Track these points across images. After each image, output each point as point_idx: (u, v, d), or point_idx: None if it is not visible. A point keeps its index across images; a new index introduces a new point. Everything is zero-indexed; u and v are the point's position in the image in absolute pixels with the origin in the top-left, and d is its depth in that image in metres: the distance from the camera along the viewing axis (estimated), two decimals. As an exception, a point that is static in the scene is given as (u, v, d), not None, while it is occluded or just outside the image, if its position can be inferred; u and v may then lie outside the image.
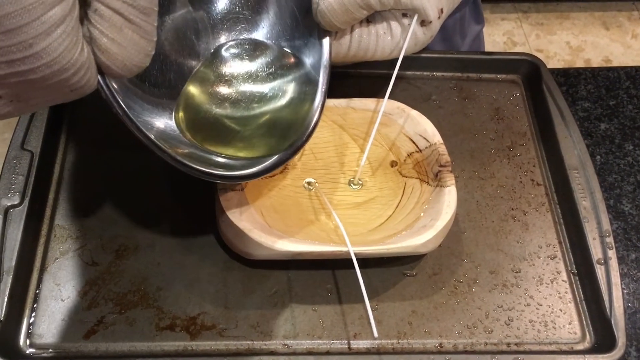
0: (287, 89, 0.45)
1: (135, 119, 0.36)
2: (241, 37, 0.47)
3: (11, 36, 0.26)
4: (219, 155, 0.42)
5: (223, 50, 0.46)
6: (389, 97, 0.52)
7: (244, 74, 0.46)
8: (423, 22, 0.46)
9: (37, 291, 0.45)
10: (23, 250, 0.45)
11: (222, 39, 0.46)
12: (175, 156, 0.37)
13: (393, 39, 0.46)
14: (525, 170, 0.56)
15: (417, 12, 0.45)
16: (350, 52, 0.46)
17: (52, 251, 0.47)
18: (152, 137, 0.37)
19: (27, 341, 0.43)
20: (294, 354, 0.44)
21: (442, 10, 0.46)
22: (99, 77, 0.31)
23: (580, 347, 0.47)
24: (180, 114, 0.44)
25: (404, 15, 0.45)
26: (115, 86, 0.35)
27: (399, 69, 0.59)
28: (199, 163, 0.38)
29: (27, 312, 0.44)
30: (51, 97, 0.30)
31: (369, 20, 0.46)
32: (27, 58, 0.27)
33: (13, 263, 0.44)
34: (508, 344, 0.47)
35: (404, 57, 0.57)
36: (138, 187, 0.51)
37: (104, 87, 0.33)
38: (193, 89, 0.45)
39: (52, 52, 0.27)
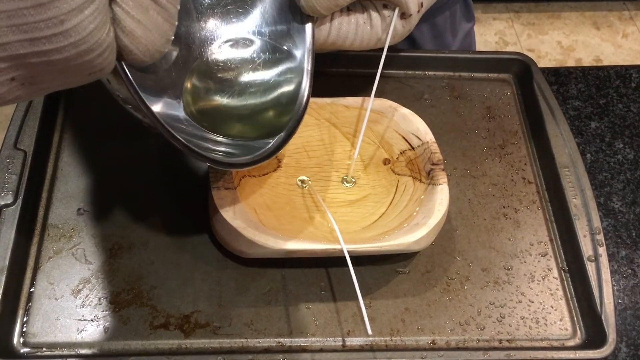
0: (277, 73, 0.47)
1: (150, 106, 0.35)
2: (230, 28, 0.47)
3: (41, 11, 0.24)
4: (227, 137, 0.44)
5: (217, 44, 0.47)
6: (381, 96, 0.53)
7: (238, 64, 0.47)
8: (403, 15, 0.46)
9: (31, 290, 0.45)
10: (16, 250, 0.45)
11: (213, 28, 0.47)
12: (188, 145, 0.37)
13: (372, 29, 0.46)
14: (517, 169, 0.56)
15: (398, 5, 0.45)
16: (329, 39, 0.46)
17: (45, 250, 0.47)
18: (165, 124, 0.36)
19: (21, 340, 0.43)
20: (288, 351, 0.45)
21: (421, 4, 0.47)
22: (116, 61, 0.30)
23: (571, 343, 0.48)
24: (188, 100, 0.45)
25: (385, 6, 0.46)
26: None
27: (391, 68, 0.59)
28: (205, 151, 0.39)
29: (20, 311, 0.44)
30: (66, 81, 0.28)
31: (350, 9, 0.46)
32: (55, 36, 0.25)
33: (6, 262, 0.44)
34: (500, 341, 0.47)
35: (397, 57, 0.57)
36: (131, 186, 0.51)
37: (121, 70, 0.32)
38: (195, 81, 0.46)
39: (81, 31, 0.25)
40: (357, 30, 0.46)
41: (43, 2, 0.24)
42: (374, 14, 0.46)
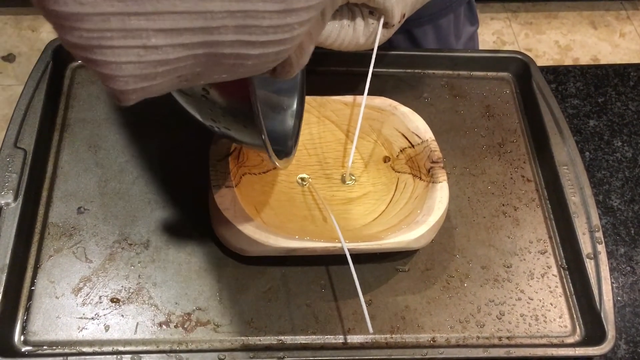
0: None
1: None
2: None
3: (283, 17, 0.24)
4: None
5: None
6: (382, 95, 0.53)
7: None
8: (386, 24, 0.47)
9: (32, 288, 0.45)
10: (17, 248, 0.45)
11: None
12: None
13: (354, 33, 0.47)
14: (516, 167, 0.56)
15: (384, 14, 0.46)
16: None
17: (46, 249, 0.47)
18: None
19: (22, 338, 0.43)
20: (289, 349, 0.45)
21: (404, 16, 0.47)
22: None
23: (570, 340, 0.48)
24: None
25: (371, 13, 0.46)
26: None
27: (391, 67, 0.59)
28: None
29: (21, 309, 0.44)
30: (222, 78, 0.28)
31: (338, 10, 0.46)
32: (275, 42, 0.25)
33: (7, 261, 0.44)
34: (500, 338, 0.47)
35: (397, 56, 0.58)
36: (132, 185, 0.51)
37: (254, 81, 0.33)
38: None
39: (296, 38, 0.26)
40: (340, 31, 0.47)
41: (293, 8, 0.24)
42: (359, 20, 0.46)
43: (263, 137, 0.36)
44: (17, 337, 0.43)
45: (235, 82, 0.30)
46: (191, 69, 0.26)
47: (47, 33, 1.54)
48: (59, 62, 0.55)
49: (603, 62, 1.70)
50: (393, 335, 0.46)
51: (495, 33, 1.75)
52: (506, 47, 1.70)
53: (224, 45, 0.25)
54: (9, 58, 1.50)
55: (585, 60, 1.70)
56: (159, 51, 0.24)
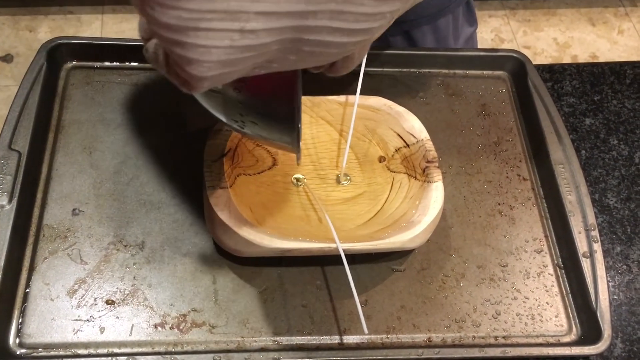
0: None
1: None
2: None
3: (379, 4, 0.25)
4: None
5: None
6: (377, 94, 0.53)
7: None
8: None
9: (27, 291, 0.45)
10: (12, 250, 0.45)
11: None
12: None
13: None
14: (512, 166, 0.56)
15: None
16: None
17: (41, 251, 0.47)
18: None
19: (17, 341, 0.43)
20: (285, 349, 0.45)
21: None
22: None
23: (566, 339, 0.48)
24: None
25: None
26: None
27: (386, 66, 0.59)
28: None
29: (16, 312, 0.44)
30: (296, 66, 0.29)
31: None
32: (364, 30, 0.26)
33: (2, 263, 0.44)
34: (496, 337, 0.47)
35: (393, 55, 0.57)
36: (127, 186, 0.51)
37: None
38: None
39: (380, 30, 0.26)
40: None
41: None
42: None
43: (300, 126, 0.36)
44: (12, 339, 0.43)
45: (283, 74, 0.29)
46: (269, 55, 0.26)
47: (44, 33, 1.54)
48: (53, 63, 0.55)
49: (601, 59, 1.70)
50: (389, 336, 0.46)
51: (493, 30, 1.75)
52: (504, 45, 1.69)
53: (313, 31, 0.25)
54: (7, 58, 1.49)
55: (583, 57, 1.70)
56: (252, 36, 0.24)
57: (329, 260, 0.48)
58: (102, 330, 0.44)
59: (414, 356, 0.45)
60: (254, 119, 0.37)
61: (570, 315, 0.49)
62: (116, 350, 0.44)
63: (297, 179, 0.51)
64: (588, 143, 0.60)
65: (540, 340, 0.48)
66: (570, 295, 0.50)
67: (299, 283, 0.48)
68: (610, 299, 0.49)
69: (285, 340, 0.45)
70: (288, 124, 0.36)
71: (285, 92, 0.34)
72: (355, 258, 0.49)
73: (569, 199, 0.53)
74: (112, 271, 0.47)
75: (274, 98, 0.36)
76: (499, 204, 0.54)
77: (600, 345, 0.46)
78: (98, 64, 0.57)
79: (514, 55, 0.61)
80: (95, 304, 0.45)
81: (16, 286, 0.45)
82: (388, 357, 0.45)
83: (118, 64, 0.57)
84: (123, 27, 1.55)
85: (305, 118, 0.52)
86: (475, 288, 0.49)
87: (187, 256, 0.48)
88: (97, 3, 1.59)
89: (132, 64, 0.57)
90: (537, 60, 1.66)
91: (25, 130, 0.50)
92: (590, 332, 0.48)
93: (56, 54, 0.55)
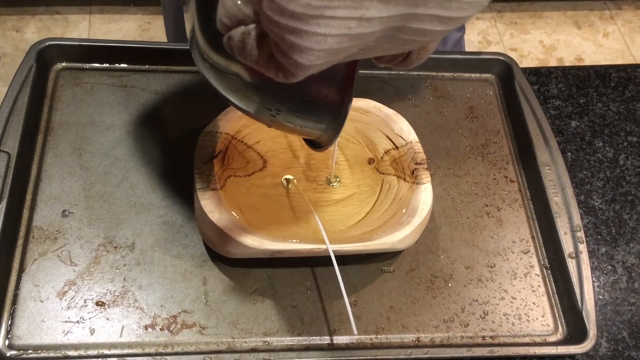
0: None
1: None
2: None
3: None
4: None
5: None
6: (366, 97, 0.53)
7: None
8: None
9: (16, 292, 0.45)
10: (1, 252, 0.45)
11: None
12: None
13: None
14: (499, 168, 0.57)
15: None
16: None
17: (30, 252, 0.47)
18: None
19: (7, 343, 0.43)
20: (274, 350, 0.45)
21: None
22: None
23: (553, 338, 0.49)
24: None
25: None
26: None
27: (375, 69, 0.59)
28: None
29: (5, 314, 0.44)
30: (382, 53, 0.28)
31: None
32: (461, 19, 0.26)
33: (-9, 265, 0.44)
34: (483, 337, 0.48)
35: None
36: (117, 188, 0.51)
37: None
38: None
39: (468, 19, 0.27)
40: None
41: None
42: None
43: (349, 107, 0.36)
44: (2, 341, 0.43)
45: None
46: (370, 43, 0.26)
47: (31, 33, 1.52)
48: (42, 64, 0.55)
49: (587, 61, 1.72)
50: (378, 336, 0.47)
51: (480, 33, 1.76)
52: (491, 47, 1.71)
53: (417, 19, 0.25)
54: (-7, 59, 1.48)
55: (569, 59, 1.72)
56: (367, 24, 0.23)
57: (318, 261, 0.48)
58: (92, 331, 0.44)
59: (403, 356, 0.45)
60: (295, 107, 0.36)
61: (557, 315, 0.50)
62: (106, 352, 0.44)
63: (287, 181, 0.51)
64: (574, 145, 0.61)
65: (527, 339, 0.48)
66: (556, 295, 0.51)
67: (289, 284, 0.48)
68: (595, 299, 0.49)
69: (275, 340, 0.46)
70: (335, 109, 0.35)
71: (343, 76, 0.34)
72: (344, 259, 0.49)
73: (555, 200, 0.53)
74: (102, 273, 0.47)
75: (329, 83, 0.35)
76: (487, 205, 0.55)
77: (585, 345, 0.47)
78: (87, 66, 0.57)
79: (501, 58, 0.62)
80: (86, 306, 0.45)
81: (5, 288, 0.45)
82: (377, 357, 0.45)
83: (108, 65, 0.57)
84: (111, 28, 1.55)
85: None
86: (463, 288, 0.50)
87: (178, 257, 0.48)
88: (84, 3, 1.58)
89: (122, 65, 0.57)
90: (524, 62, 1.68)
91: (14, 131, 0.50)
92: (576, 331, 0.48)
93: (45, 55, 0.55)
